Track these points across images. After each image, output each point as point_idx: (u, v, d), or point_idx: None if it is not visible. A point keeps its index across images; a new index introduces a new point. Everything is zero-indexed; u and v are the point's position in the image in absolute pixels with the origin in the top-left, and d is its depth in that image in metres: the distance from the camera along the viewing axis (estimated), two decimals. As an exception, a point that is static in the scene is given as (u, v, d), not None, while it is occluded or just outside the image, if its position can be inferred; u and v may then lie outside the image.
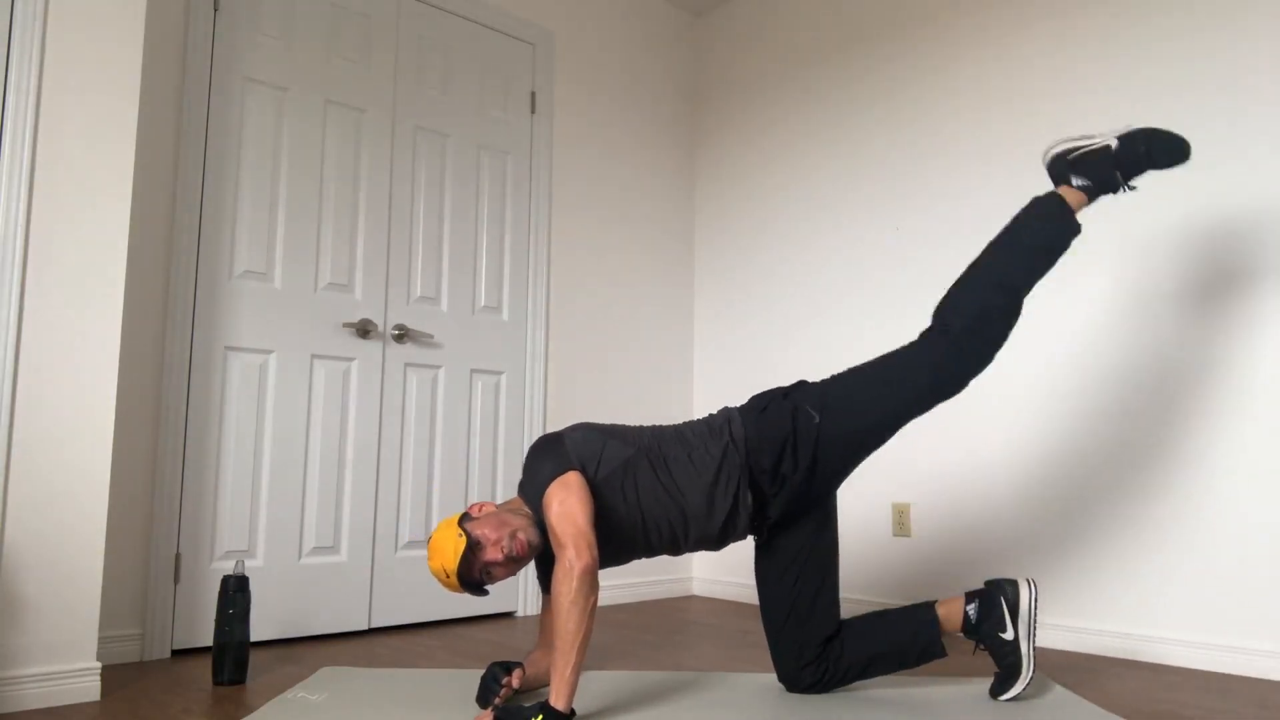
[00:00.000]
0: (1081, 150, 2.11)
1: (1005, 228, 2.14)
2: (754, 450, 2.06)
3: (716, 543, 2.12)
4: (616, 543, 2.05)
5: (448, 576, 1.91)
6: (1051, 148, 2.17)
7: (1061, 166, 2.13)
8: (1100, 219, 2.86)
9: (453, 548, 1.90)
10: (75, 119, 2.17)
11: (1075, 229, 2.11)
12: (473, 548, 1.91)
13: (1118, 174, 2.08)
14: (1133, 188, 2.12)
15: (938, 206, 3.29)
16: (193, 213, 2.71)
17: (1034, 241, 2.09)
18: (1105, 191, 2.13)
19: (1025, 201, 2.22)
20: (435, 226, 3.27)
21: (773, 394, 2.16)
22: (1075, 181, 2.09)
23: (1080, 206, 2.11)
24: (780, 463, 2.05)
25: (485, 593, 1.98)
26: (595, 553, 1.83)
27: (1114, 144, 2.09)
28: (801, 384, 2.18)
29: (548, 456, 2.00)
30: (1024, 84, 3.09)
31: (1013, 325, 2.10)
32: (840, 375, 2.17)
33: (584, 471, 1.98)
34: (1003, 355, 3.05)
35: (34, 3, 2.12)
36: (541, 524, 1.99)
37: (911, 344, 2.13)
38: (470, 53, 3.43)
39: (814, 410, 2.08)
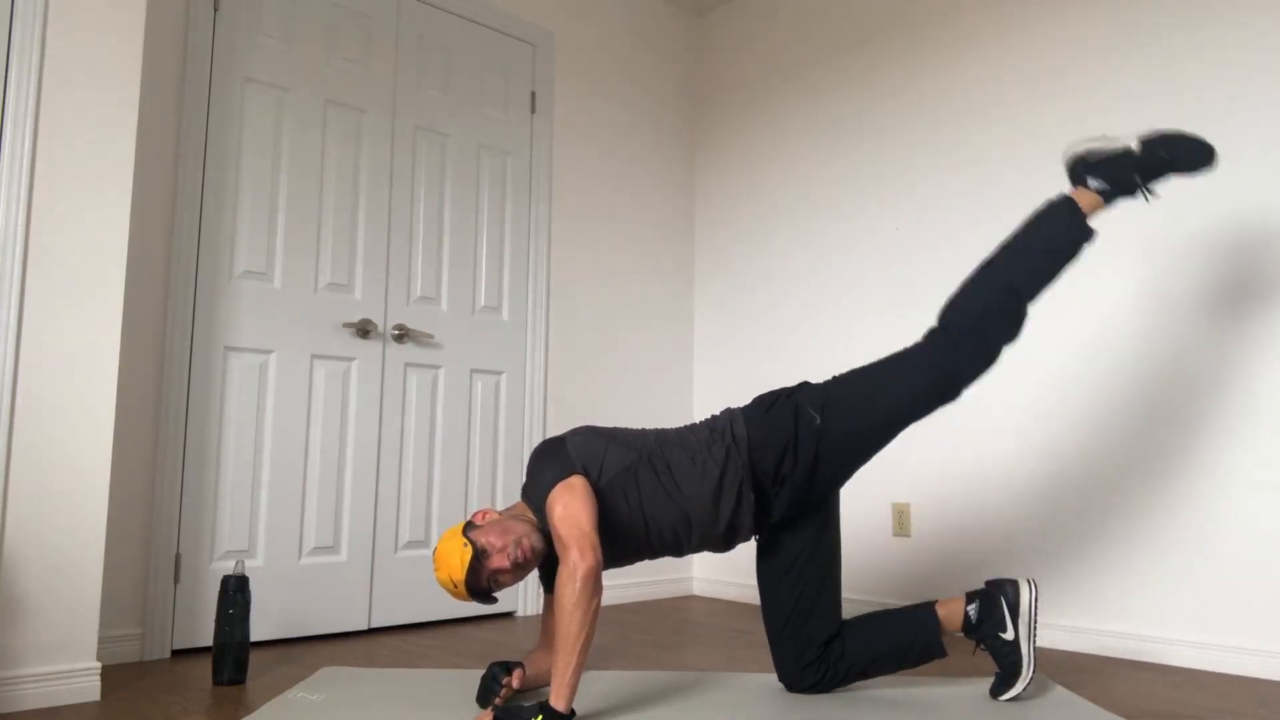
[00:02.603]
0: (1101, 153, 2.05)
1: (1016, 230, 2.12)
2: (756, 450, 2.06)
3: (723, 544, 2.13)
4: (620, 545, 2.05)
5: (455, 587, 1.91)
6: (1071, 148, 2.13)
7: (1080, 168, 2.08)
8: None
9: (459, 558, 1.90)
10: (75, 119, 2.17)
11: (1087, 235, 2.06)
12: (479, 556, 1.91)
13: (1137, 178, 2.02)
14: (1153, 193, 2.05)
15: (938, 206, 3.29)
16: (193, 213, 2.71)
17: (1043, 246, 2.06)
18: (1122, 195, 2.06)
19: (1037, 203, 2.20)
20: (435, 226, 3.27)
21: (776, 395, 2.16)
22: (1092, 184, 2.02)
23: (1095, 210, 2.06)
24: (782, 463, 2.06)
25: (494, 600, 1.98)
26: (599, 555, 1.83)
27: (1135, 147, 2.03)
28: (804, 385, 2.17)
29: (551, 460, 2.00)
30: (1025, 83, 3.09)
31: (1017, 330, 2.06)
32: (842, 376, 2.17)
33: (587, 475, 1.99)
34: (1007, 355, 3.05)
35: (34, 3, 2.12)
36: (545, 528, 1.99)
37: (914, 345, 2.13)
38: (470, 53, 3.43)
39: (815, 411, 2.08)
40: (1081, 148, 2.10)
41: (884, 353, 3.39)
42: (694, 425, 2.17)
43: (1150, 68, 2.80)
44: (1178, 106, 2.73)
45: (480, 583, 1.93)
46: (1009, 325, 2.05)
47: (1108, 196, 2.03)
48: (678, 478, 2.04)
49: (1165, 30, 2.78)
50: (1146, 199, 2.03)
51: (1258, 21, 2.60)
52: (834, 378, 2.18)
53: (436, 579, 1.96)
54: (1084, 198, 2.06)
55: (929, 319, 3.26)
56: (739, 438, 2.07)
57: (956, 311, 2.07)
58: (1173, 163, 2.00)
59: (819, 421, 2.06)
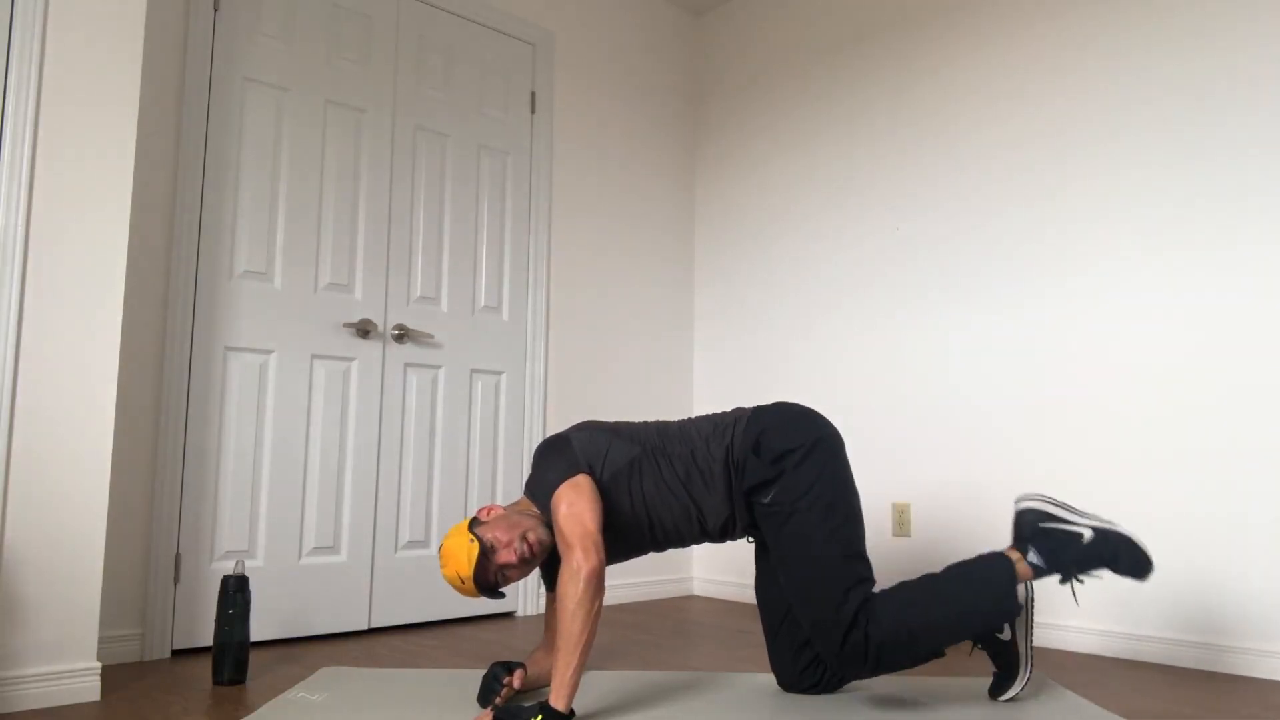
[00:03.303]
0: (1053, 526, 2.02)
1: (949, 572, 2.03)
2: (739, 469, 2.06)
3: (719, 537, 2.13)
4: (623, 540, 2.07)
5: (463, 582, 1.92)
6: (1030, 500, 2.08)
7: (1028, 530, 2.04)
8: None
9: (466, 553, 1.91)
10: (75, 119, 2.17)
11: (1012, 612, 1.98)
12: (486, 552, 1.92)
13: (1074, 568, 1.98)
14: (1080, 581, 2.03)
15: (939, 207, 3.29)
16: (193, 213, 2.71)
17: (965, 607, 1.97)
18: (1052, 575, 2.02)
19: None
20: (435, 226, 3.27)
21: (778, 425, 2.07)
22: (1030, 556, 2.00)
23: (1024, 578, 2.01)
24: (741, 498, 2.06)
25: (501, 595, 1.99)
26: (603, 556, 1.84)
27: (1088, 535, 1.99)
28: (812, 451, 2.03)
29: (556, 458, 2.01)
30: (1025, 83, 3.09)
31: (910, 666, 1.99)
32: (827, 505, 2.00)
33: (591, 472, 1.99)
34: (1006, 356, 3.05)
35: (34, 4, 2.12)
36: (550, 524, 2.00)
37: (861, 578, 1.98)
38: (470, 53, 3.43)
39: (775, 497, 2.01)
40: (1040, 505, 2.06)
41: (884, 353, 3.39)
42: (698, 419, 2.18)
43: (1151, 67, 2.80)
44: (1178, 105, 2.73)
45: (488, 578, 1.94)
46: (904, 660, 1.97)
47: (1039, 573, 2.00)
48: (678, 470, 2.06)
49: (1166, 29, 2.78)
50: (1074, 590, 2.03)
51: (1258, 20, 2.60)
52: (824, 497, 2.01)
53: (443, 575, 1.96)
54: (1019, 563, 2.01)
55: (928, 319, 3.26)
56: (735, 443, 2.07)
57: (885, 607, 1.96)
58: (1113, 562, 1.97)
59: (767, 500, 2.02)
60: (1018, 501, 2.10)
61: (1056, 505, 2.05)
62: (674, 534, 2.09)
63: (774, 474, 2.02)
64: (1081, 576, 2.01)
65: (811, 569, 1.98)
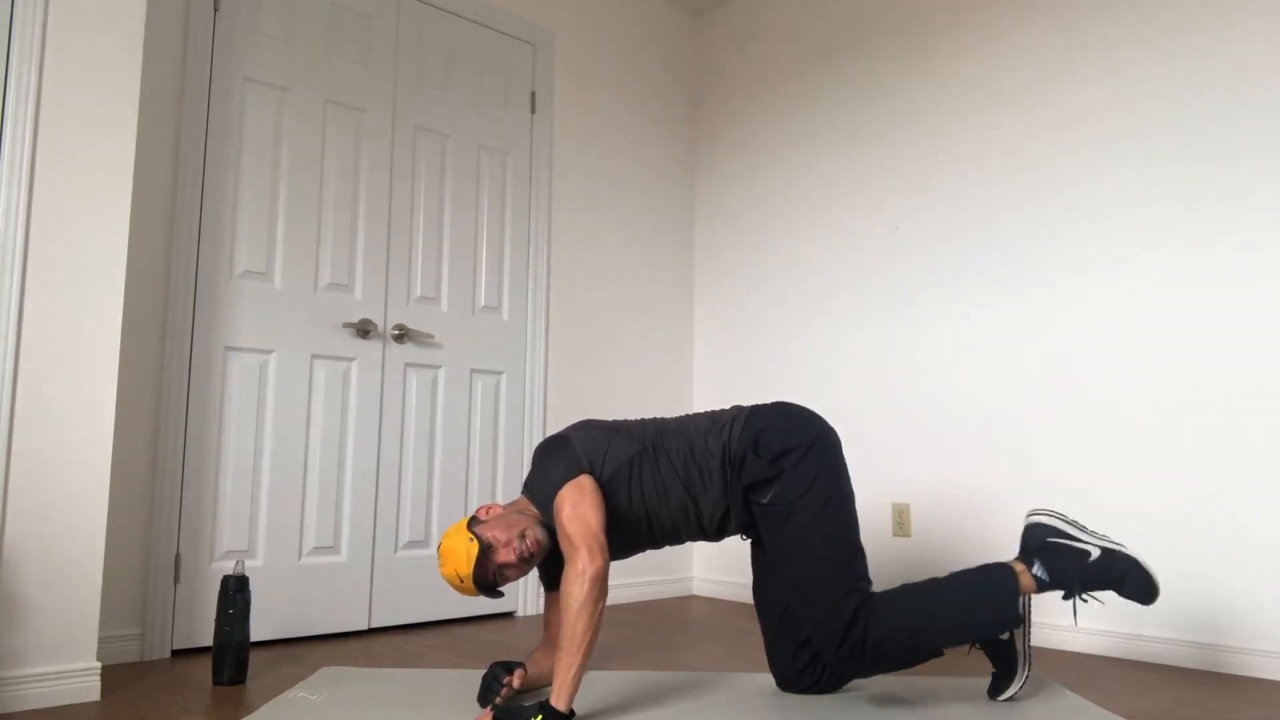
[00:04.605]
0: (1061, 542, 2.02)
1: (953, 578, 2.03)
2: (737, 466, 2.06)
3: (715, 535, 2.13)
4: (623, 537, 2.07)
5: (462, 582, 1.92)
6: (1041, 515, 2.08)
7: (1037, 542, 2.04)
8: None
9: (465, 552, 1.91)
10: (75, 119, 2.17)
11: (1012, 621, 1.99)
12: (485, 551, 1.92)
13: (1077, 585, 1.99)
14: (1084, 600, 2.04)
15: (939, 206, 3.29)
16: (193, 213, 2.71)
17: (966, 613, 1.97)
18: (1056, 590, 2.02)
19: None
20: (435, 226, 3.27)
21: (777, 424, 2.07)
22: (1035, 570, 2.00)
23: (1028, 591, 2.02)
24: (739, 497, 2.05)
25: (500, 594, 1.99)
26: (607, 557, 1.84)
27: (1095, 554, 1.99)
28: (810, 451, 2.04)
29: (557, 458, 2.01)
30: (1025, 83, 3.09)
31: (906, 666, 2.00)
32: (822, 505, 2.00)
33: (592, 471, 1.99)
34: (1007, 356, 3.05)
35: (34, 3, 2.12)
36: (549, 523, 2.00)
37: (859, 577, 1.99)
38: (470, 53, 3.43)
39: (773, 497, 2.01)
40: (1049, 520, 2.06)
41: (884, 352, 3.39)
42: (696, 415, 2.17)
43: (1151, 66, 2.80)
44: (1178, 104, 2.73)
45: (487, 577, 1.94)
46: (901, 660, 1.98)
47: (1042, 587, 2.00)
48: (676, 467, 2.06)
49: (1166, 28, 2.78)
50: (1075, 609, 2.03)
51: (1258, 19, 2.60)
52: (820, 496, 2.01)
53: (442, 575, 1.96)
54: (1023, 575, 2.01)
55: (928, 319, 3.26)
56: (732, 440, 2.07)
57: (886, 607, 1.97)
58: (1119, 584, 1.97)
59: (765, 501, 2.02)
60: (1029, 515, 2.10)
61: (1066, 522, 2.05)
62: (671, 531, 2.09)
63: (773, 474, 2.02)
64: (1085, 595, 2.01)
65: (810, 569, 1.98)
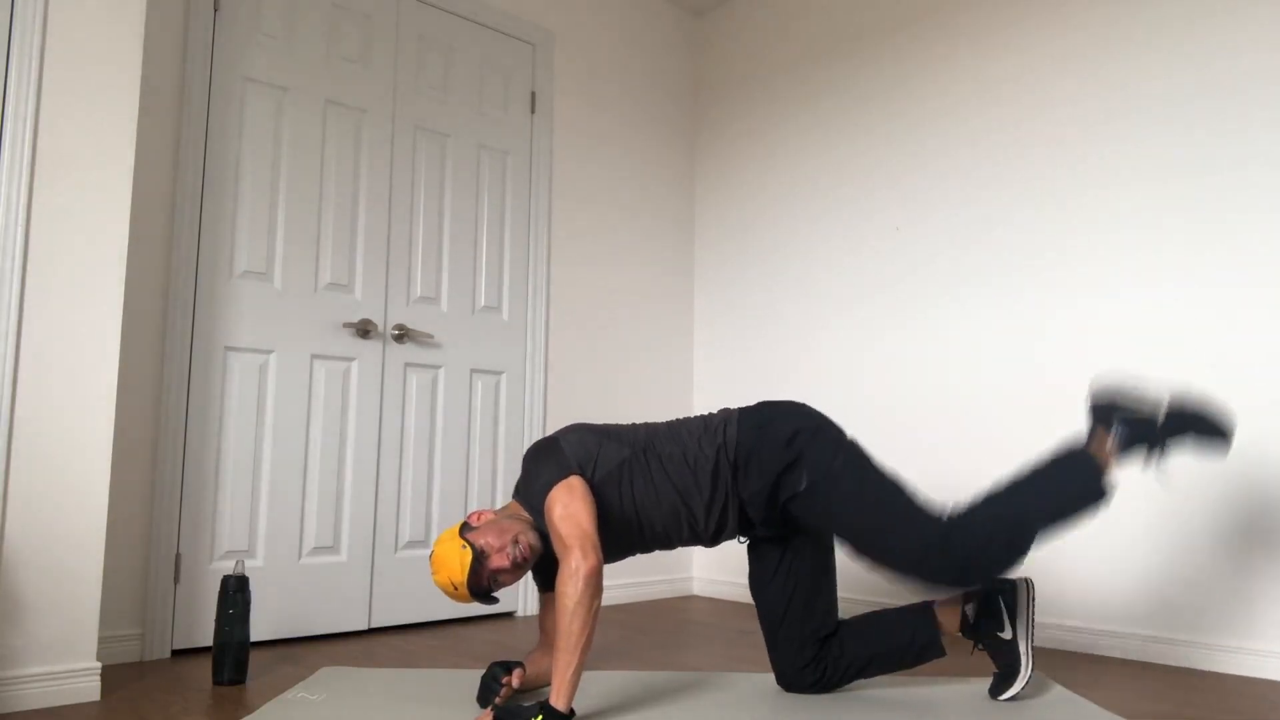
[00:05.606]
0: (1130, 406, 2.02)
1: (1031, 470, 2.03)
2: (741, 467, 2.05)
3: (710, 540, 2.12)
4: (615, 540, 2.06)
5: (456, 589, 1.91)
6: (1103, 384, 2.08)
7: (1105, 411, 2.03)
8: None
9: (458, 560, 1.90)
10: (75, 119, 2.17)
11: (1099, 496, 1.98)
12: (478, 557, 1.91)
13: (1161, 432, 1.98)
14: (1165, 454, 2.01)
15: (939, 207, 3.29)
16: (193, 212, 2.71)
17: (1056, 501, 1.98)
18: (1137, 445, 1.99)
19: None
20: (435, 226, 3.28)
21: (776, 415, 2.09)
22: (1114, 431, 1.98)
23: (1109, 463, 2.00)
24: (760, 494, 2.05)
25: (495, 600, 1.99)
26: (600, 555, 1.84)
27: (1165, 401, 2.01)
28: (820, 428, 2.06)
29: (547, 461, 2.00)
30: (1026, 82, 3.09)
31: (1015, 563, 1.96)
32: (861, 467, 2.03)
33: (582, 473, 1.99)
34: (1009, 356, 3.05)
35: (34, 4, 2.12)
36: (540, 527, 2.00)
37: (930, 513, 1.98)
38: (470, 53, 3.43)
39: (808, 476, 2.01)
40: (1114, 391, 2.06)
41: (884, 353, 3.39)
42: (688, 419, 2.17)
43: (1151, 65, 2.80)
44: (1178, 103, 2.73)
45: (481, 583, 1.93)
46: (1007, 558, 1.95)
47: (1124, 444, 1.99)
48: (669, 472, 2.05)
49: (1166, 27, 2.78)
50: (1159, 470, 2.00)
51: (1258, 18, 2.60)
52: (853, 459, 2.03)
53: (435, 583, 1.96)
54: (1100, 450, 2.01)
55: (928, 319, 3.26)
56: (730, 441, 2.07)
57: (965, 528, 1.96)
58: (1199, 422, 1.97)
59: (803, 488, 2.01)
60: (1093, 391, 2.08)
61: (1127, 394, 2.05)
62: (662, 535, 2.09)
63: (793, 455, 2.01)
64: (1167, 444, 1.99)
65: (879, 515, 1.98)
